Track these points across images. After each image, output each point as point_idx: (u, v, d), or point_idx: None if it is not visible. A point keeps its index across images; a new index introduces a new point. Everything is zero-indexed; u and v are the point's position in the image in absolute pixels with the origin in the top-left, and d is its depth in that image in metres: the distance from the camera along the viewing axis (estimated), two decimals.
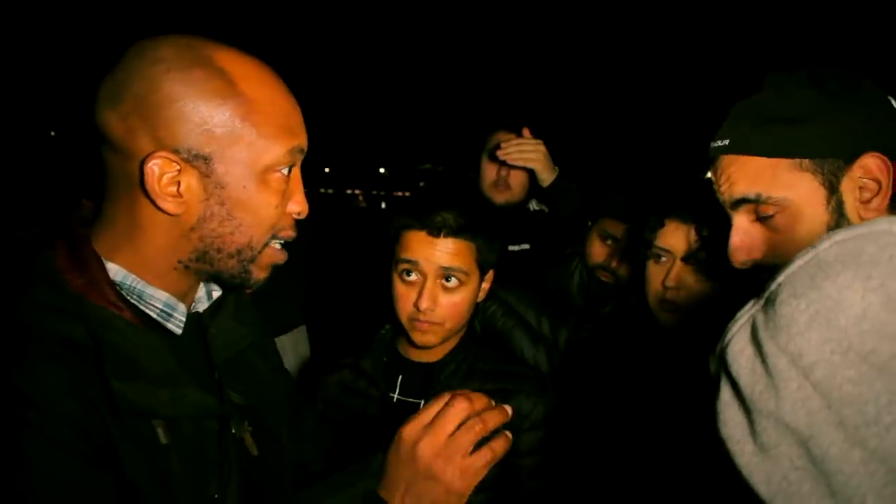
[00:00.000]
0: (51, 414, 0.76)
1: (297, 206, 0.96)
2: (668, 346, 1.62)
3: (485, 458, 0.92)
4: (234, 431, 0.96)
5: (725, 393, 0.67)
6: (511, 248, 2.44)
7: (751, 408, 0.63)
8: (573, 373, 1.83)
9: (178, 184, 0.86)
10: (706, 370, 0.73)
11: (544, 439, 1.54)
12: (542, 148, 2.18)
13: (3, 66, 8.62)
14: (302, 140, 0.93)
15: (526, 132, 2.20)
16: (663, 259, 1.56)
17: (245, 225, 0.90)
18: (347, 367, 1.63)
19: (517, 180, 2.37)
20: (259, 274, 0.96)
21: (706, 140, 1.16)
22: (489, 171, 2.39)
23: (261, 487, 1.00)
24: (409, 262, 1.48)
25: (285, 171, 0.92)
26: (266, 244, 0.94)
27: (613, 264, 1.97)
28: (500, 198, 2.38)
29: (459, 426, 0.92)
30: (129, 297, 0.90)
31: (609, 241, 1.99)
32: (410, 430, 0.93)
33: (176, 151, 0.84)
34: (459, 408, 0.93)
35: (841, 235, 0.64)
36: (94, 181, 0.91)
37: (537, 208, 2.55)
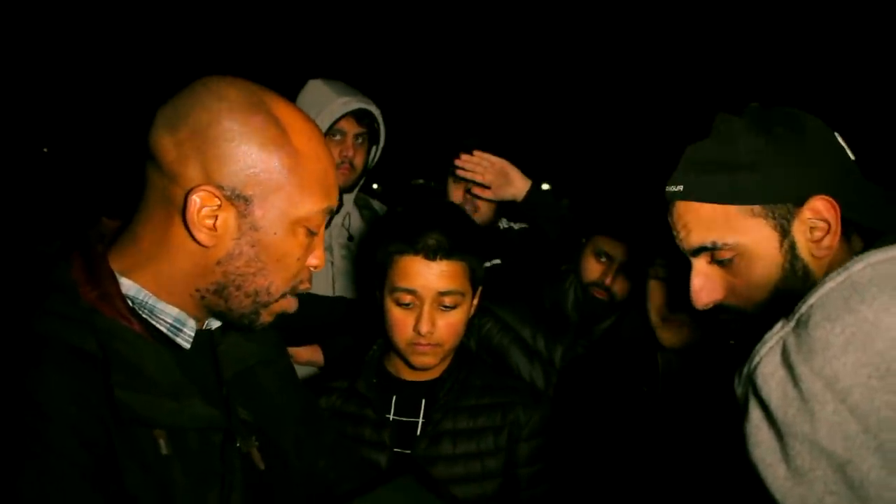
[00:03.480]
0: (55, 421, 0.77)
1: (316, 260, 1.00)
2: (666, 362, 1.63)
3: None
4: (239, 446, 0.97)
5: (755, 415, 0.67)
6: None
7: (783, 431, 0.63)
8: (571, 389, 1.83)
9: (216, 218, 0.89)
10: (710, 385, 0.73)
11: (542, 448, 1.54)
12: (497, 162, 2.14)
13: (10, 84, 8.45)
14: (334, 201, 0.97)
15: (477, 152, 2.15)
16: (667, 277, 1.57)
17: (268, 269, 0.94)
18: (337, 391, 1.60)
19: (484, 201, 2.29)
20: (266, 318, 1.00)
21: None
22: (456, 194, 2.34)
23: (268, 502, 1.01)
24: (406, 290, 1.45)
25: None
26: (284, 294, 0.97)
27: (608, 281, 1.97)
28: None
29: None
30: (140, 311, 0.92)
31: (603, 259, 1.99)
32: None
33: (220, 187, 0.88)
34: None
35: (875, 257, 0.64)
36: (114, 199, 0.92)
37: (507, 226, 2.53)
